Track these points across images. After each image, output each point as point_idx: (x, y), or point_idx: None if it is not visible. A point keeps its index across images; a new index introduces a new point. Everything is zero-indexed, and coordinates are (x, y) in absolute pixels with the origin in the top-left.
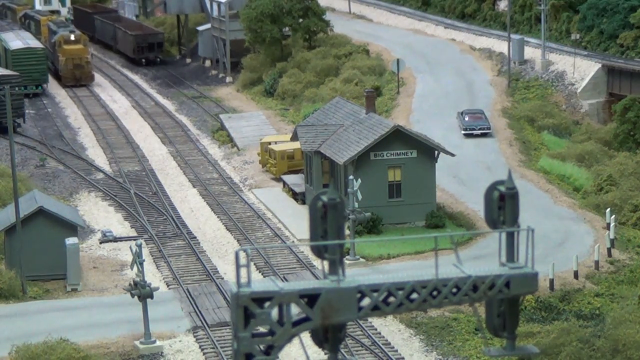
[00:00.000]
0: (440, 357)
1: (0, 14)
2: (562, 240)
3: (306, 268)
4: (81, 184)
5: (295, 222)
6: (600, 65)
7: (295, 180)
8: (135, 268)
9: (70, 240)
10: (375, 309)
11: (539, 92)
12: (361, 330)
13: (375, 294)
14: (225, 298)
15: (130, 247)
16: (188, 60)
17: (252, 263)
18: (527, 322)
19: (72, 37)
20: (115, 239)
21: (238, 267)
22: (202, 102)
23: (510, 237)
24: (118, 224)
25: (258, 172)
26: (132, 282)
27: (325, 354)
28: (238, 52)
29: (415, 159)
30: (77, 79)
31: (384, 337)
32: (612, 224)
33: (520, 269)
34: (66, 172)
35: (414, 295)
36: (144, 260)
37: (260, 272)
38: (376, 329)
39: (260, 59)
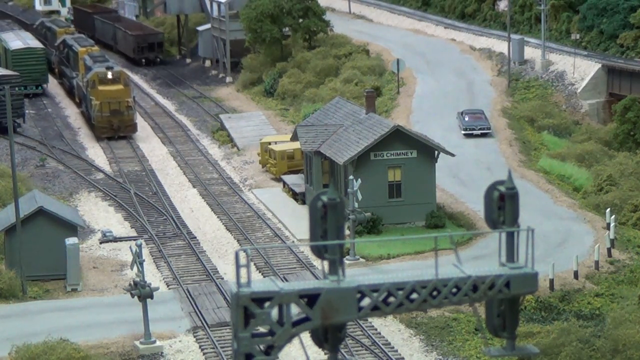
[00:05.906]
0: (440, 357)
1: (39, 33)
2: (562, 240)
3: (306, 268)
4: (81, 184)
5: (295, 222)
6: (600, 65)
7: (295, 180)
8: (135, 268)
9: (70, 240)
10: (375, 309)
11: (539, 92)
12: (361, 330)
13: (375, 294)
14: (225, 298)
15: (130, 247)
16: (188, 60)
17: (252, 263)
18: (527, 322)
19: (110, 75)
20: (115, 239)
21: (238, 267)
22: (202, 102)
23: (510, 237)
24: (118, 224)
25: (258, 172)
26: (132, 282)
27: (325, 354)
28: (238, 52)
29: (415, 159)
30: (115, 130)
31: (384, 337)
32: (612, 224)
33: (520, 269)
34: (66, 172)
35: (414, 295)
36: (144, 260)
37: (260, 272)
38: (376, 329)
39: (260, 59)
